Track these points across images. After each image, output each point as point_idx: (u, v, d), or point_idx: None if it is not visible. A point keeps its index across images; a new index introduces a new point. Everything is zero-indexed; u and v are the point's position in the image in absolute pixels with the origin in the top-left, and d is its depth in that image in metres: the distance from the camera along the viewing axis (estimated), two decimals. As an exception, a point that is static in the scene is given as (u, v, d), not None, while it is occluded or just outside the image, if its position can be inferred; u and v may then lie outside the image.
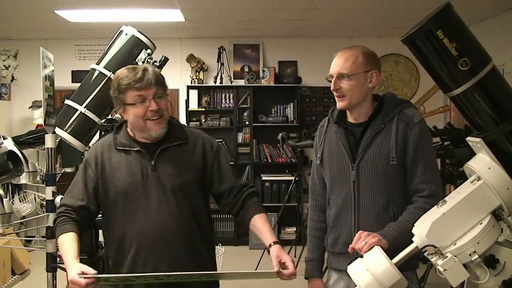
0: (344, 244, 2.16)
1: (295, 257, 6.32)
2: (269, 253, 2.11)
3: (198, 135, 2.34)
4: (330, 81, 2.25)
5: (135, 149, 2.23)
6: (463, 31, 1.86)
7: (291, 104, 7.53)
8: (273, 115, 7.57)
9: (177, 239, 2.18)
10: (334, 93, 2.25)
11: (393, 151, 2.19)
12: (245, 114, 7.55)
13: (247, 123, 7.52)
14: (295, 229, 7.21)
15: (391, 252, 1.89)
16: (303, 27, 6.81)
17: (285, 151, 7.49)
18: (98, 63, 3.08)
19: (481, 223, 1.78)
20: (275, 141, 7.38)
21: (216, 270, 2.37)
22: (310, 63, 7.58)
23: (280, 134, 7.13)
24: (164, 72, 3.21)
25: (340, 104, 2.25)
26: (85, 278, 1.90)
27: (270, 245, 2.12)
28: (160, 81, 2.19)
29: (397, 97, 2.35)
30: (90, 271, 1.93)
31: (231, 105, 7.56)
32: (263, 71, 7.54)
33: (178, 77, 7.45)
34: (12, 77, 7.46)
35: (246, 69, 7.57)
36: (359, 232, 2.00)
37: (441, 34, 1.79)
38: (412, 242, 1.86)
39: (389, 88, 7.52)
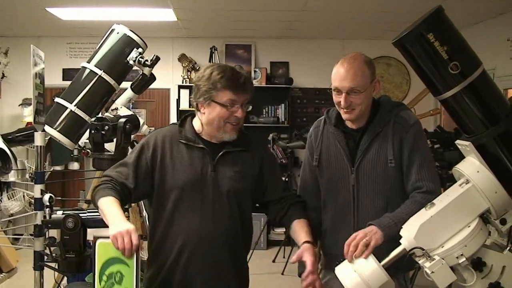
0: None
1: (283, 257, 6.32)
2: None
3: (257, 145, 2.40)
4: (330, 91, 2.25)
5: (199, 146, 2.24)
6: (454, 34, 1.87)
7: (282, 105, 7.53)
8: (264, 115, 7.56)
9: (224, 242, 2.21)
10: (342, 109, 2.23)
11: (391, 153, 2.21)
12: (236, 114, 7.52)
13: (238, 123, 7.48)
14: (284, 230, 7.19)
15: (386, 243, 1.91)
16: (296, 28, 6.81)
17: (276, 152, 7.46)
18: (89, 61, 3.07)
19: (469, 226, 1.79)
20: (265, 142, 7.37)
21: (248, 273, 2.39)
22: (301, 65, 7.58)
23: (271, 135, 7.10)
24: (155, 71, 3.23)
25: (349, 116, 2.25)
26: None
27: (302, 244, 2.14)
28: (252, 93, 2.26)
29: (392, 100, 2.37)
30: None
31: (222, 105, 7.51)
32: (255, 71, 7.53)
33: (169, 76, 7.42)
34: (3, 74, 7.39)
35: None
36: (353, 235, 1.99)
37: (432, 38, 1.80)
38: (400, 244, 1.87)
39: (380, 90, 7.53)
